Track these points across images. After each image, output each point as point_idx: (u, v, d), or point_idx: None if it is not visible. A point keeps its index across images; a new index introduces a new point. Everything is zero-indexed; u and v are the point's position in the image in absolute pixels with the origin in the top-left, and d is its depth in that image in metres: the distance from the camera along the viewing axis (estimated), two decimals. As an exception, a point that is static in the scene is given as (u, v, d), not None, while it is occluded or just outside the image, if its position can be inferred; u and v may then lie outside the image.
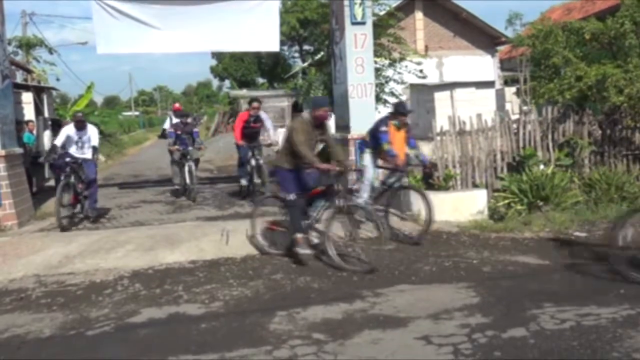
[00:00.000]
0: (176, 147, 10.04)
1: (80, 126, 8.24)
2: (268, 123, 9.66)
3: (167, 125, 11.78)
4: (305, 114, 6.16)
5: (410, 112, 7.76)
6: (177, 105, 13.06)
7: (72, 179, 7.95)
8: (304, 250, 5.72)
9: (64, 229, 7.57)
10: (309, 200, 5.90)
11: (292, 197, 5.78)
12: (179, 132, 10.14)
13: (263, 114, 9.69)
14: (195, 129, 10.65)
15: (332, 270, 5.47)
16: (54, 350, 3.92)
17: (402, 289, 4.86)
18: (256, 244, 6.31)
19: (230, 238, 6.73)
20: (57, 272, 5.76)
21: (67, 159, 8.05)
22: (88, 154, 8.25)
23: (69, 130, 8.26)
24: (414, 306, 4.42)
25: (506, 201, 7.65)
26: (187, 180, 9.86)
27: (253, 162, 9.26)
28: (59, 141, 8.21)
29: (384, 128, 6.88)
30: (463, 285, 4.93)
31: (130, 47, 9.65)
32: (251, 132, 9.42)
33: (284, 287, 5.08)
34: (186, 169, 9.81)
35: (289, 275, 5.41)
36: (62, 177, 7.98)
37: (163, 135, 12.15)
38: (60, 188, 7.78)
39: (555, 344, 3.63)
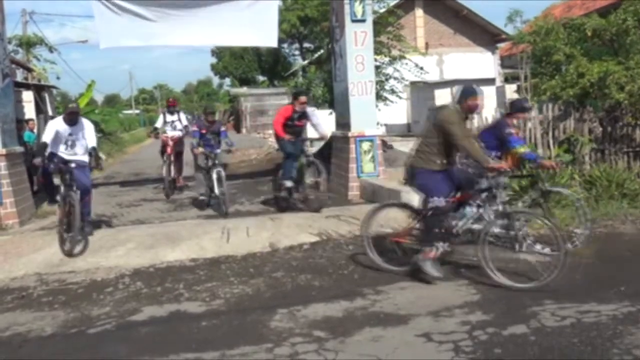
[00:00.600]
0: (201, 149, 8.55)
1: (73, 120, 6.69)
2: (315, 118, 8.10)
3: (159, 123, 11.05)
4: (452, 104, 5.13)
5: (531, 109, 6.83)
6: (171, 100, 12.14)
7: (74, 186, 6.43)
8: (437, 273, 4.78)
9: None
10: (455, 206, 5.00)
11: (442, 202, 4.79)
12: (203, 132, 8.78)
13: (309, 110, 8.15)
14: (223, 128, 9.20)
15: (332, 267, 5.48)
16: (56, 349, 3.93)
17: (403, 287, 4.86)
18: (368, 257, 5.41)
19: (231, 236, 6.72)
20: (58, 270, 5.77)
21: (59, 161, 6.66)
22: (81, 156, 6.75)
23: (57, 124, 6.76)
24: (414, 304, 4.42)
25: (506, 198, 7.61)
26: (216, 190, 8.15)
27: (303, 159, 7.75)
28: (47, 137, 6.65)
29: (510, 130, 5.97)
30: (463, 282, 4.92)
31: (132, 40, 9.72)
32: (294, 131, 7.91)
33: (285, 285, 5.09)
34: (214, 175, 8.17)
35: (289, 273, 5.42)
36: (61, 186, 6.60)
37: (155, 133, 11.38)
38: (73, 199, 6.23)
39: (555, 341, 3.64)
